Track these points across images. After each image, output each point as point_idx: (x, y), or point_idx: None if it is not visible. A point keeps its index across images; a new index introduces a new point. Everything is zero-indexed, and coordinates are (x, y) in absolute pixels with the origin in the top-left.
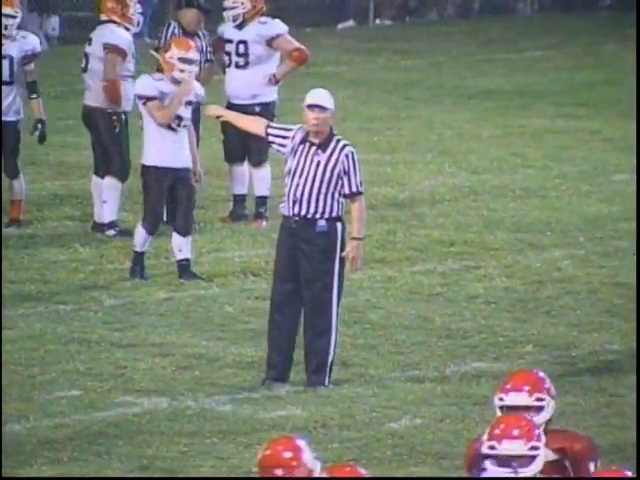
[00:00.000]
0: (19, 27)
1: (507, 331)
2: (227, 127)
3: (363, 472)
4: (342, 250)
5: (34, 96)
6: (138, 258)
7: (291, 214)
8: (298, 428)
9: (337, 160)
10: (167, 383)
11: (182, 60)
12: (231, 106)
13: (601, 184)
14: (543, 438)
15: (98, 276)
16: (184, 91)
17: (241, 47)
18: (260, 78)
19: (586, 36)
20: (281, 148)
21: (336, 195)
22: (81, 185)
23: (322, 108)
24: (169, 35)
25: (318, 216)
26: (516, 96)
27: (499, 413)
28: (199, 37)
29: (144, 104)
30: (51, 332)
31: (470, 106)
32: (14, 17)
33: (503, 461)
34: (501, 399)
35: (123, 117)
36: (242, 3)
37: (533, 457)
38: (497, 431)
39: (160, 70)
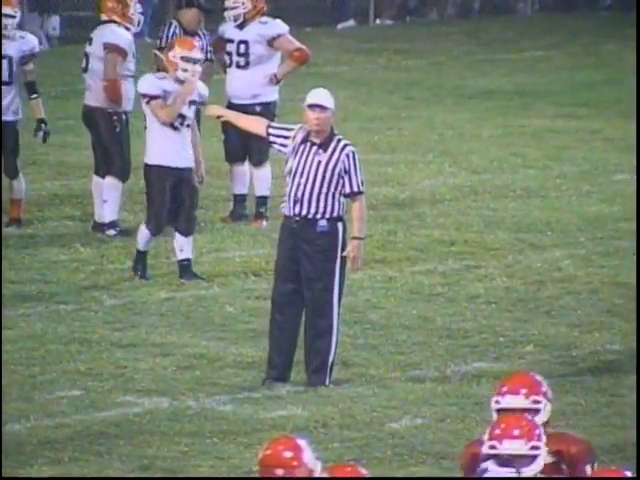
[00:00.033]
0: (18, 27)
1: (508, 331)
2: (228, 127)
3: (364, 472)
4: (343, 250)
5: (34, 96)
6: (140, 257)
7: (292, 214)
8: (299, 428)
9: (338, 160)
10: (168, 383)
11: (185, 59)
12: (232, 106)
13: (602, 184)
14: (544, 438)
15: (99, 276)
16: (187, 90)
17: (242, 47)
18: (261, 78)
19: (586, 36)
20: (282, 148)
21: (337, 195)
22: (81, 185)
23: (323, 108)
24: (170, 35)
25: (319, 216)
26: (517, 96)
27: (495, 416)
28: (199, 37)
29: (147, 103)
30: (52, 332)
31: (471, 106)
32: (13, 17)
33: (504, 461)
34: (497, 402)
35: (124, 117)
36: (243, 3)
37: (534, 457)
38: (498, 431)
39: (160, 70)
